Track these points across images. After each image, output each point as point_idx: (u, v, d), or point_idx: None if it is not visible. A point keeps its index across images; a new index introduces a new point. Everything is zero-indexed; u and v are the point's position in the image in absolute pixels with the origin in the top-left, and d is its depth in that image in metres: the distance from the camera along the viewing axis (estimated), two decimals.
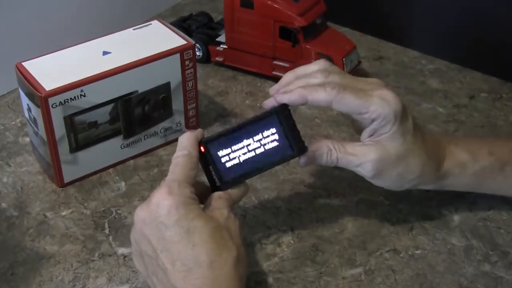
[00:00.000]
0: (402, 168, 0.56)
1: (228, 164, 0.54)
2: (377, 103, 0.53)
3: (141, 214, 0.51)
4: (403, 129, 0.55)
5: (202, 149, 0.54)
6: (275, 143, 0.54)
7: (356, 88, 0.54)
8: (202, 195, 0.54)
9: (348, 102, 0.53)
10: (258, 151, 0.54)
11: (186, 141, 0.54)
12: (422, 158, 0.56)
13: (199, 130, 0.55)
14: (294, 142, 0.54)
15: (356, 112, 0.54)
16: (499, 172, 0.60)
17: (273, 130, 0.54)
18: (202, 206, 0.53)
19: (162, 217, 0.49)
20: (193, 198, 0.51)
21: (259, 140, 0.54)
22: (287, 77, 0.57)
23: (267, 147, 0.54)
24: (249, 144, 0.54)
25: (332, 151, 0.56)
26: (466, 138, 0.63)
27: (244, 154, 0.54)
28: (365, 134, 0.56)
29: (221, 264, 0.48)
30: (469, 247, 0.61)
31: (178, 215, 0.49)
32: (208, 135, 0.55)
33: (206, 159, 0.55)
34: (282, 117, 0.54)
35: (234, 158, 0.54)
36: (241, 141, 0.54)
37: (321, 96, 0.53)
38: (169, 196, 0.49)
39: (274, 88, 0.57)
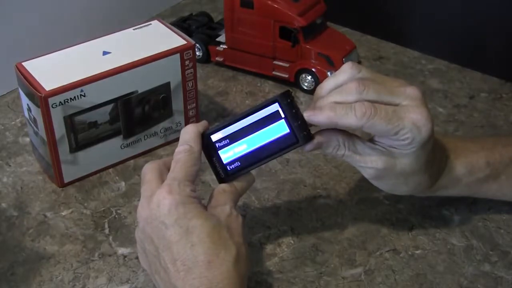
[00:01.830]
0: (401, 181, 0.55)
1: (231, 155, 0.54)
2: (407, 128, 0.50)
3: (143, 213, 0.51)
4: (421, 151, 0.53)
5: (204, 141, 0.54)
6: (279, 132, 0.53)
7: (388, 109, 0.50)
8: None
9: (378, 128, 0.50)
10: (261, 141, 0.53)
11: (188, 135, 0.53)
12: (422, 177, 0.55)
13: (203, 122, 0.55)
14: (298, 131, 0.52)
15: (384, 136, 0.52)
16: (493, 182, 0.59)
17: (276, 119, 0.53)
18: (204, 200, 0.52)
19: (163, 216, 0.49)
20: (193, 197, 0.51)
21: (262, 130, 0.53)
22: (317, 93, 0.54)
23: (270, 136, 0.53)
24: (251, 134, 0.53)
25: (340, 147, 0.53)
26: (467, 146, 0.60)
27: (247, 144, 0.54)
28: (382, 138, 0.53)
29: (219, 264, 0.48)
30: (469, 247, 0.61)
31: (178, 214, 0.49)
32: (220, 123, 0.54)
33: (209, 151, 0.54)
34: (284, 105, 0.52)
35: (237, 148, 0.54)
36: (244, 131, 0.53)
37: (350, 121, 0.50)
38: (169, 195, 0.49)
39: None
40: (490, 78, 0.85)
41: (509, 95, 0.82)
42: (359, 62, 0.84)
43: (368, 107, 0.50)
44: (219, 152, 0.54)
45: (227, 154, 0.54)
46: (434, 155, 0.55)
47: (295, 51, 0.80)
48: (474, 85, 0.84)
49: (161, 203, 0.49)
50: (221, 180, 0.55)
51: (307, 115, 0.52)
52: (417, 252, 0.60)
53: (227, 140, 0.54)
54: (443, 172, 0.58)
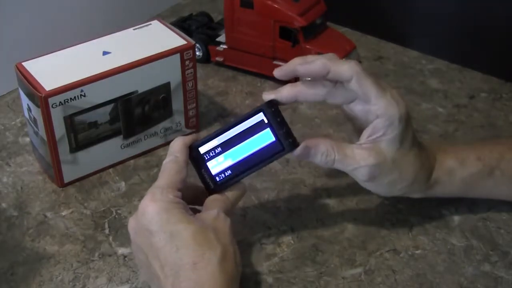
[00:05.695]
0: (396, 175, 0.55)
1: (219, 167, 0.55)
2: (388, 99, 0.53)
3: (131, 223, 0.52)
4: (404, 135, 0.54)
5: (193, 153, 0.55)
6: (265, 141, 0.54)
7: (374, 78, 0.53)
8: (196, 196, 0.56)
9: (366, 86, 0.52)
10: (248, 150, 0.54)
11: (175, 147, 0.55)
12: (416, 166, 0.56)
13: (192, 136, 0.56)
14: (283, 139, 0.53)
15: (368, 99, 0.53)
16: (488, 177, 0.59)
17: (261, 128, 0.53)
18: (190, 206, 0.53)
19: (147, 224, 0.50)
20: (177, 202, 0.51)
21: (249, 139, 0.54)
22: (295, 62, 0.55)
23: (257, 145, 0.54)
24: (239, 144, 0.54)
25: (329, 152, 0.54)
26: (455, 145, 0.63)
27: (234, 154, 0.54)
28: (365, 133, 0.55)
29: (204, 265, 0.48)
30: (469, 247, 0.61)
31: (161, 220, 0.50)
32: (207, 135, 0.55)
33: (198, 163, 0.55)
34: (269, 114, 0.53)
35: (225, 159, 0.55)
36: (231, 141, 0.54)
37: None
38: (151, 202, 0.50)
39: (280, 69, 0.55)
40: (490, 78, 0.85)
41: (509, 95, 0.82)
42: (359, 62, 0.84)
43: (359, 67, 0.53)
44: (208, 163, 0.55)
45: (215, 166, 0.55)
46: (418, 143, 0.57)
47: (295, 51, 0.80)
48: (474, 85, 0.84)
49: (145, 211, 0.50)
50: (210, 192, 0.55)
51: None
52: (417, 252, 0.60)
53: (215, 151, 0.55)
54: (434, 166, 0.58)
